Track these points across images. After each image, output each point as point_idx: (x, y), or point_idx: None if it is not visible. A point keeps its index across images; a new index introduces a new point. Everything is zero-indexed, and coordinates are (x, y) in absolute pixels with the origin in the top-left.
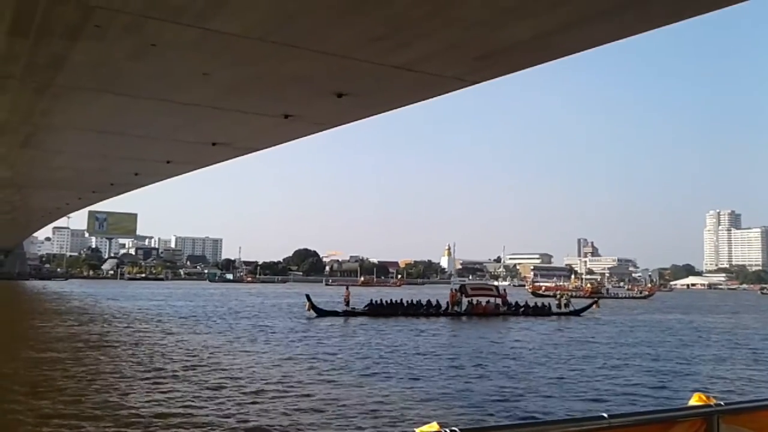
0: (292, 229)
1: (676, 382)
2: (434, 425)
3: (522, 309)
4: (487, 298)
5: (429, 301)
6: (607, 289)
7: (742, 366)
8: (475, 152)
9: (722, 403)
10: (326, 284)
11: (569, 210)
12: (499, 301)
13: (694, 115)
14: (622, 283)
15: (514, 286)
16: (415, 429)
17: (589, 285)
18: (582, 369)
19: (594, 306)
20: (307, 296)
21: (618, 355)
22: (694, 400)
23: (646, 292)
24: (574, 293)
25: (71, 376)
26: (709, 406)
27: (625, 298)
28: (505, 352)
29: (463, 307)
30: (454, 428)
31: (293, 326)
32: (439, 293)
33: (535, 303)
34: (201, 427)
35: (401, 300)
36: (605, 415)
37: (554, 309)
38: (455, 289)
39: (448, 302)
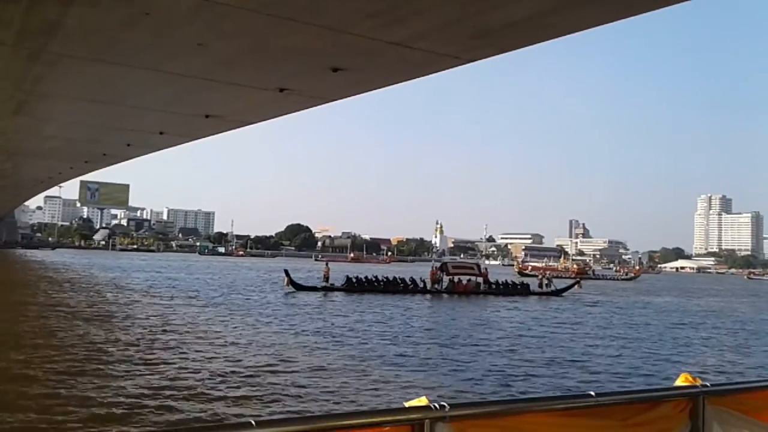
0: (286, 204)
1: (650, 363)
2: (423, 399)
3: (503, 288)
4: (468, 277)
5: (411, 278)
6: (593, 270)
7: (721, 348)
8: (469, 133)
9: (708, 384)
10: (315, 259)
11: (562, 191)
12: (480, 279)
13: (689, 99)
14: (612, 265)
15: (504, 265)
16: (404, 403)
17: (575, 266)
18: (559, 348)
19: (576, 286)
20: (286, 271)
21: (594, 335)
22: (681, 381)
23: (632, 274)
24: (560, 274)
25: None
26: (695, 386)
27: (611, 279)
28: (486, 330)
29: (444, 285)
30: (443, 403)
31: (272, 300)
32: (425, 271)
33: (515, 282)
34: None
35: (379, 277)
36: (593, 393)
37: (535, 289)
38: (436, 267)
39: (424, 280)
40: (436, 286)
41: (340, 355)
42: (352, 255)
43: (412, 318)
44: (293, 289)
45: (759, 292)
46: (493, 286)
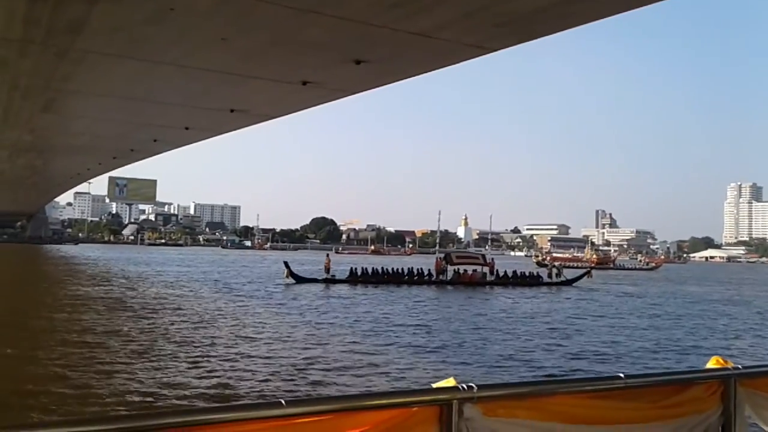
0: (311, 198)
1: (644, 356)
2: (451, 380)
3: (511, 278)
4: (473, 267)
5: (418, 270)
6: (614, 261)
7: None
8: (494, 125)
9: (740, 366)
10: (336, 252)
11: (587, 181)
12: (486, 270)
13: (718, 85)
14: (639, 255)
15: (527, 256)
16: (432, 384)
17: (594, 256)
18: (562, 336)
19: (587, 276)
20: (286, 263)
21: (595, 326)
22: (712, 363)
23: (653, 264)
24: (581, 264)
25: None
26: (727, 369)
27: (632, 269)
28: (488, 318)
29: (449, 276)
30: (471, 384)
31: (273, 291)
32: None
33: (524, 273)
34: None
35: (384, 268)
36: (622, 375)
37: (545, 279)
38: (440, 258)
39: (430, 271)
40: (440, 276)
41: (338, 342)
42: (372, 247)
43: (416, 308)
44: (293, 281)
45: None
46: (501, 277)
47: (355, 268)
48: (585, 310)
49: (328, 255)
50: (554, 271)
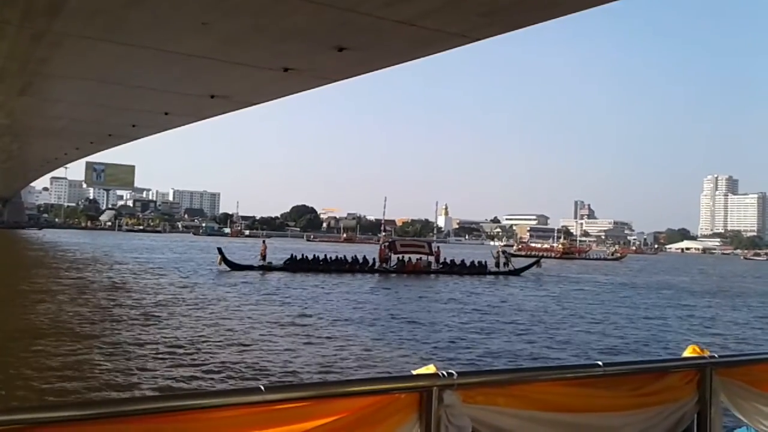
0: (292, 186)
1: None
2: (431, 367)
3: (456, 267)
4: (418, 255)
5: (361, 257)
6: (587, 251)
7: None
8: (475, 115)
9: (716, 355)
10: (308, 239)
11: (567, 173)
12: (431, 258)
13: (694, 80)
14: (617, 246)
15: (506, 245)
16: (412, 371)
17: (560, 245)
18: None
19: (536, 266)
20: (219, 249)
21: (538, 316)
22: (688, 352)
23: (618, 254)
24: (545, 254)
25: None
26: (703, 357)
27: (597, 259)
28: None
29: (392, 264)
30: (451, 371)
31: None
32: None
33: (471, 262)
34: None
35: (327, 256)
36: (600, 363)
37: (492, 268)
38: (384, 246)
39: (374, 258)
40: (384, 264)
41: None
42: (345, 236)
43: (349, 297)
44: (227, 269)
45: (728, 274)
46: (447, 266)
47: (294, 255)
48: (511, 297)
49: (264, 242)
50: (502, 260)
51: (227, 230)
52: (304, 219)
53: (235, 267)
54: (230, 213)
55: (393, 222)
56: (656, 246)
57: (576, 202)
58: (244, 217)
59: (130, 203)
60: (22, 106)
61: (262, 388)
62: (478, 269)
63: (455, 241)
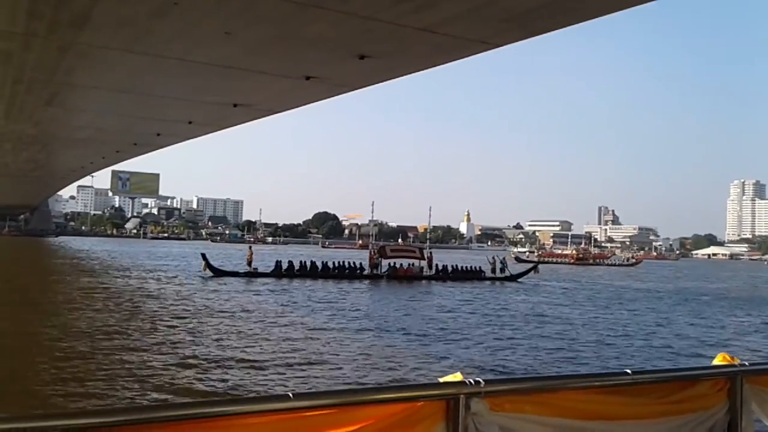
0: (315, 193)
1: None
2: (458, 375)
3: (450, 273)
4: (409, 261)
5: (350, 263)
6: (597, 256)
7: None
8: (497, 121)
9: (746, 363)
10: (322, 246)
11: (591, 178)
12: (423, 263)
13: (720, 83)
14: (641, 252)
15: (529, 252)
16: (438, 379)
17: (574, 251)
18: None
19: (533, 272)
20: (203, 255)
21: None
22: (718, 360)
23: (633, 260)
24: (558, 260)
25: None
26: (733, 366)
27: (611, 265)
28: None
29: (383, 270)
30: (477, 379)
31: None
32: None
33: (465, 267)
34: None
35: (314, 262)
36: (629, 371)
37: (488, 274)
38: (374, 251)
39: (362, 264)
40: (374, 270)
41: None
42: (360, 242)
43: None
44: (211, 274)
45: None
46: (440, 272)
47: (280, 262)
48: (506, 304)
49: (250, 247)
50: (498, 265)
51: (251, 237)
52: (327, 226)
53: (219, 273)
54: (253, 220)
55: (415, 228)
56: (678, 252)
57: (600, 208)
58: (266, 225)
59: (154, 211)
60: (48, 116)
61: (291, 395)
62: (472, 275)
63: (477, 248)
